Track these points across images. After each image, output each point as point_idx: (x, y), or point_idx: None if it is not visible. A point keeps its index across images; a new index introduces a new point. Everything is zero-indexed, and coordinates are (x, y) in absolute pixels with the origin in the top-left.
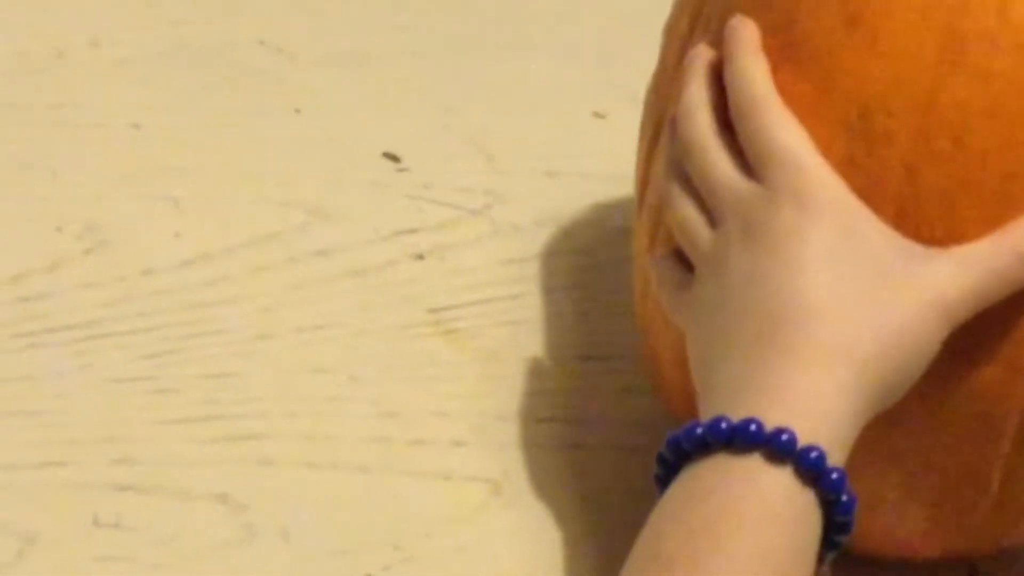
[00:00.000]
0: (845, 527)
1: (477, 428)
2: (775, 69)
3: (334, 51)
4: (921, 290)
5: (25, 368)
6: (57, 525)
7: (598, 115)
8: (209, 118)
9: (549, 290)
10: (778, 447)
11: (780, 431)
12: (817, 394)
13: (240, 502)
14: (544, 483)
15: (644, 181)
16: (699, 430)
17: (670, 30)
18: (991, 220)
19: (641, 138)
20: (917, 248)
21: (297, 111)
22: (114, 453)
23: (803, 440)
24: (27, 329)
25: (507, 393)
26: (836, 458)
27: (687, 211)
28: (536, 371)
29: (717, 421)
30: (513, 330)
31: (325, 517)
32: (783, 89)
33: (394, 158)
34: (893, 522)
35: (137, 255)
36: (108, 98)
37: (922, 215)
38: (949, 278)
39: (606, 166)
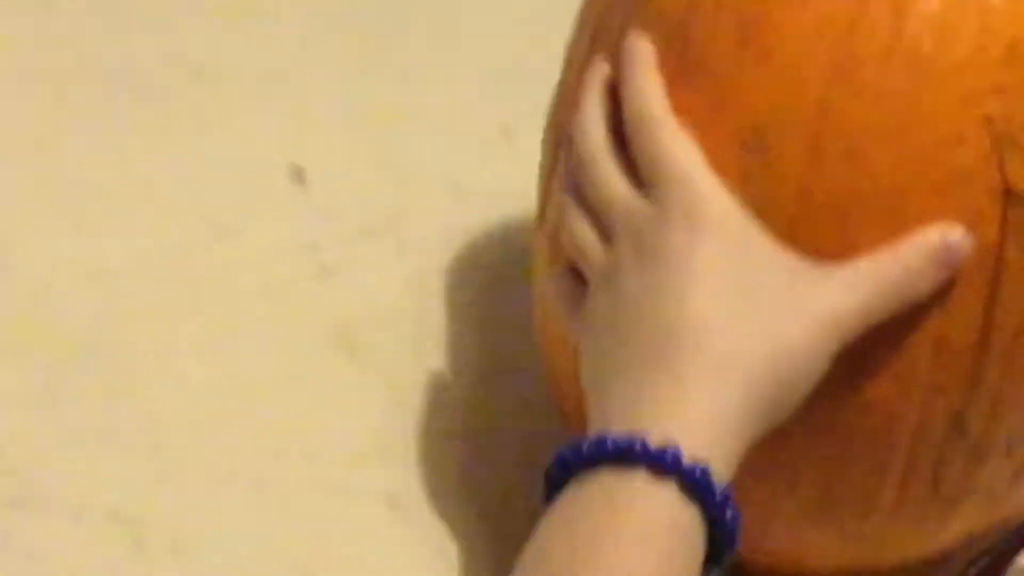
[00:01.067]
0: (730, 544)
1: (377, 444)
2: (670, 85)
3: (239, 68)
4: (811, 307)
5: None
6: None
7: (504, 131)
8: (113, 134)
9: (452, 306)
10: (662, 464)
11: (664, 449)
12: (704, 410)
13: (132, 517)
14: (443, 498)
15: (545, 197)
16: (584, 446)
17: (572, 47)
18: (882, 236)
19: (543, 155)
20: (808, 266)
21: (201, 128)
22: (11, 471)
23: (689, 456)
24: None
25: (409, 408)
26: (722, 473)
27: (581, 227)
28: (438, 386)
29: (602, 438)
30: (415, 346)
31: (222, 533)
32: (678, 105)
33: (299, 174)
34: (788, 537)
35: (37, 270)
36: (10, 115)
37: (814, 230)
38: (839, 295)
39: (512, 183)
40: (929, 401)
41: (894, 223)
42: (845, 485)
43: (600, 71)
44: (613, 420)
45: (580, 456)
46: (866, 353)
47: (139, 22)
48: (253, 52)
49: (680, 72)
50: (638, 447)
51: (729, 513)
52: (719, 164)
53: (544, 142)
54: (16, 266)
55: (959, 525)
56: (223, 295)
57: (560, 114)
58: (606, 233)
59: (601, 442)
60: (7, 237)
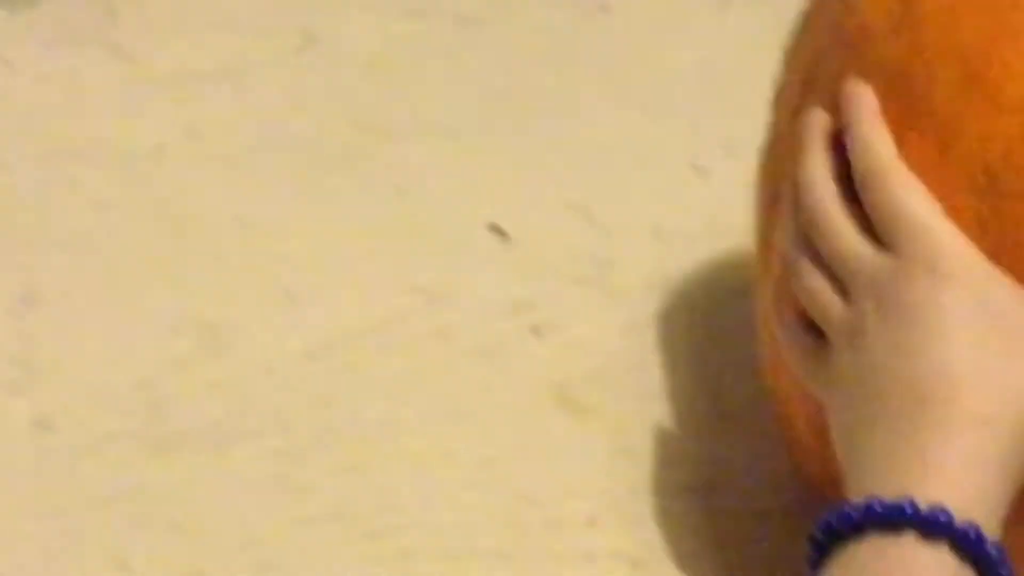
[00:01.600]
0: None
1: (611, 504)
2: (896, 135)
3: (426, 126)
4: None
5: (159, 474)
6: None
7: (697, 169)
8: (310, 205)
9: (669, 356)
10: (934, 527)
11: (936, 510)
12: (968, 467)
13: None
14: (684, 555)
15: (765, 246)
16: (851, 512)
17: (780, 93)
18: None
19: (757, 202)
20: None
21: (398, 190)
22: (256, 556)
23: (958, 516)
24: (157, 433)
25: (638, 465)
26: (991, 530)
27: (816, 283)
28: (664, 440)
29: (871, 503)
30: (637, 399)
31: None
32: (906, 155)
33: (500, 231)
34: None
35: (257, 351)
36: (207, 193)
37: None
38: None
39: (710, 222)
40: None
41: None
42: None
43: (819, 120)
44: (874, 482)
45: (848, 521)
46: None
47: (324, 92)
48: (438, 110)
49: (904, 119)
50: (908, 510)
51: (1004, 572)
52: (952, 211)
53: (758, 191)
54: (236, 349)
55: None
56: (441, 362)
57: (773, 161)
58: (843, 287)
59: (870, 507)
60: (223, 319)
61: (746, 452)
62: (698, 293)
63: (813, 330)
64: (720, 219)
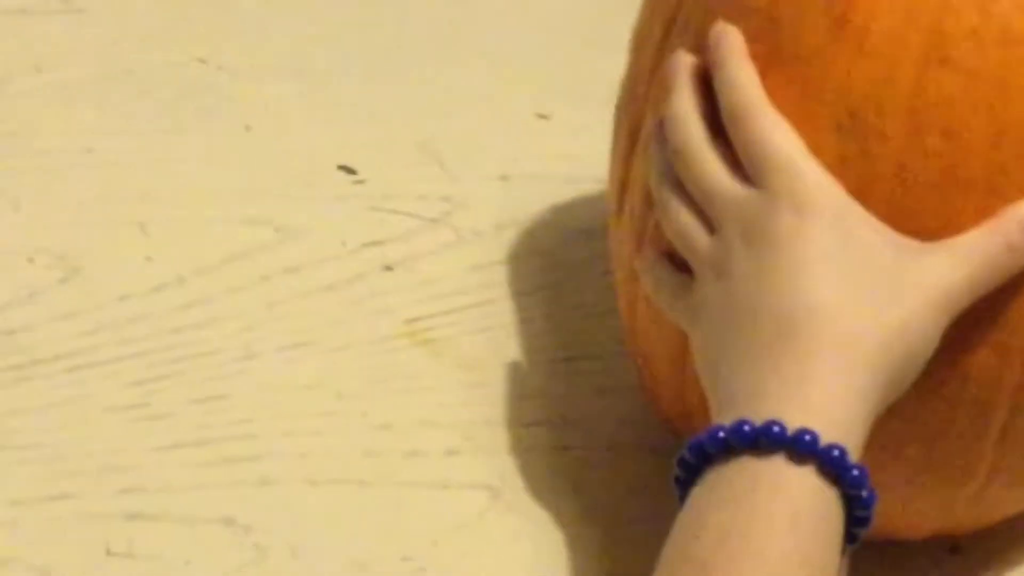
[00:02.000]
0: (865, 521)
1: (468, 436)
2: (762, 75)
3: (276, 67)
4: (920, 284)
5: (17, 401)
6: (70, 558)
7: (542, 116)
8: (161, 140)
9: (518, 294)
10: (802, 447)
11: (803, 432)
12: (832, 393)
13: (245, 523)
14: (540, 486)
15: (622, 186)
16: (722, 433)
17: (640, 35)
18: (982, 211)
19: (615, 143)
20: (913, 243)
21: (247, 128)
22: (118, 482)
23: (824, 439)
24: (13, 363)
25: (492, 399)
26: (855, 454)
27: (684, 217)
28: (516, 376)
29: (740, 424)
30: (488, 336)
31: (332, 533)
32: (772, 94)
33: (350, 170)
34: (891, 505)
35: (111, 282)
36: (57, 125)
37: (915, 209)
38: (946, 271)
39: (556, 167)
40: None
41: (993, 197)
42: (946, 453)
43: (685, 61)
44: (743, 408)
45: (718, 443)
46: (968, 325)
47: (170, 28)
48: (287, 51)
49: (772, 61)
50: (777, 431)
51: (866, 492)
52: (816, 149)
53: (616, 131)
54: (90, 279)
55: None
56: (295, 296)
57: (633, 103)
58: (709, 221)
59: (740, 429)
60: (76, 249)
61: (596, 388)
62: (545, 234)
63: (677, 266)
64: (565, 166)
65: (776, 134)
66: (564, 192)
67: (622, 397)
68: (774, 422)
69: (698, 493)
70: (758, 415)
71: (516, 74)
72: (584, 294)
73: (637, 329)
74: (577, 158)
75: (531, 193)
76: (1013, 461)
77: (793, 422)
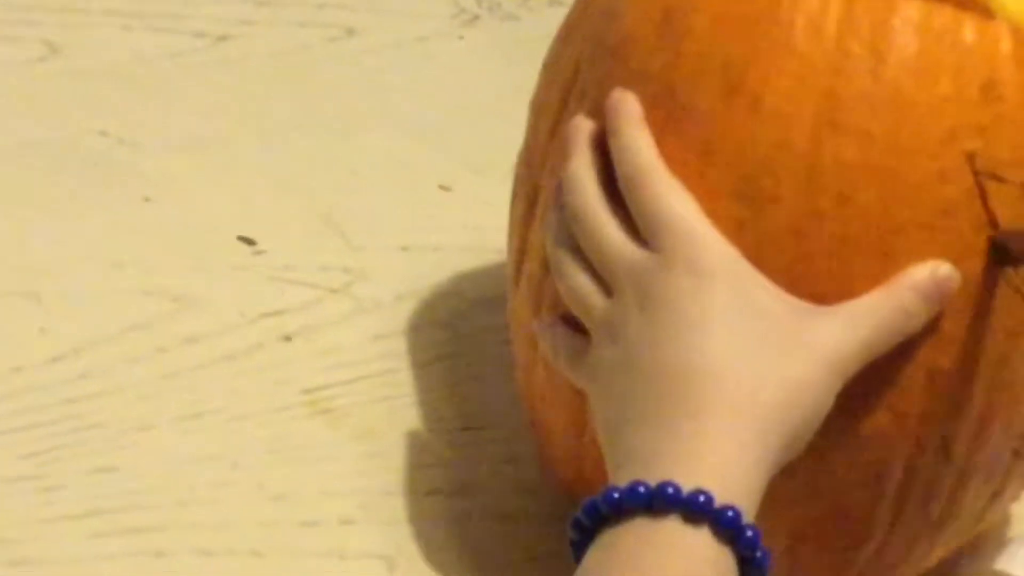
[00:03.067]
0: None
1: (364, 505)
2: (659, 141)
3: (177, 139)
4: (814, 347)
5: None
6: None
7: (444, 188)
8: (60, 211)
9: (417, 364)
10: (696, 508)
11: (697, 492)
12: (726, 454)
13: None
14: (436, 555)
15: (520, 252)
16: (616, 495)
17: (539, 103)
18: (876, 275)
19: (513, 208)
20: (809, 307)
21: (147, 199)
22: (9, 554)
23: (719, 500)
24: None
25: (389, 468)
26: (749, 514)
27: (580, 280)
28: (414, 445)
29: (635, 485)
30: (387, 406)
31: None
32: (669, 159)
33: (250, 241)
34: (785, 566)
35: (5, 353)
36: None
37: (811, 273)
38: (840, 334)
39: (457, 237)
40: (920, 429)
41: (887, 260)
42: (843, 515)
43: (583, 126)
44: (638, 469)
45: (612, 504)
46: (863, 388)
47: (73, 100)
48: (190, 122)
49: (668, 126)
50: (671, 492)
51: (760, 553)
52: (713, 213)
53: (514, 197)
54: None
55: (943, 546)
56: (192, 367)
57: (531, 169)
58: (605, 284)
59: (634, 490)
60: None
61: (493, 457)
62: (445, 304)
63: (575, 329)
64: (465, 236)
65: (671, 197)
66: (465, 262)
67: (520, 465)
68: (668, 483)
69: (592, 555)
70: (652, 476)
71: (419, 146)
72: (483, 363)
73: (535, 395)
74: (479, 228)
75: (432, 263)
76: (910, 523)
77: (687, 483)
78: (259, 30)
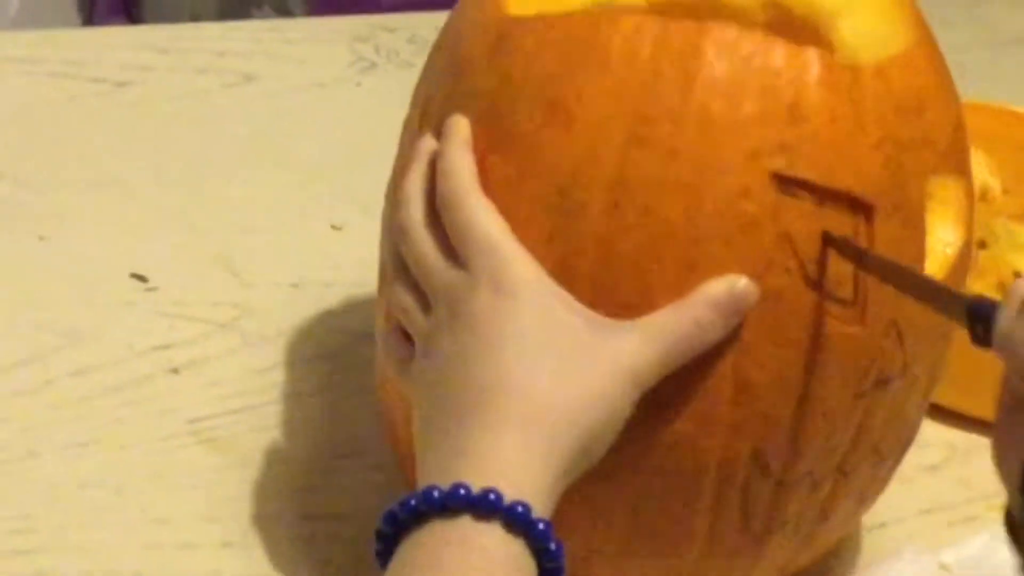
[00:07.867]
0: (557, 572)
1: (244, 529)
2: (484, 157)
3: (74, 178)
4: (611, 360)
5: None
6: None
7: (335, 227)
8: None
9: (299, 395)
10: (486, 506)
11: (487, 491)
12: (515, 458)
13: None
14: None
15: (383, 270)
16: (413, 501)
17: (405, 125)
18: (678, 286)
19: (383, 228)
20: (608, 322)
21: (41, 238)
22: None
23: (508, 498)
24: None
25: (270, 494)
26: (540, 511)
27: (404, 295)
28: (294, 472)
29: (429, 490)
30: (269, 435)
31: None
32: (491, 175)
33: (142, 278)
34: (611, 572)
35: None
36: None
37: (615, 283)
38: (637, 348)
39: (347, 274)
40: (731, 439)
41: (690, 272)
42: (658, 521)
43: (426, 145)
44: (436, 475)
45: (409, 510)
46: (670, 396)
47: None
48: (84, 163)
49: (492, 143)
50: (462, 493)
51: (553, 544)
52: (529, 226)
53: (383, 216)
54: None
55: (772, 559)
56: (79, 398)
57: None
58: (426, 300)
59: (429, 494)
60: None
61: (371, 484)
62: (330, 337)
63: (408, 339)
64: (354, 273)
65: (480, 217)
66: (354, 297)
67: (391, 492)
68: (460, 485)
69: (395, 561)
70: (446, 481)
71: (313, 186)
72: (365, 394)
73: (385, 405)
74: (368, 265)
75: (321, 299)
76: (729, 533)
77: (478, 483)
78: (159, 76)
